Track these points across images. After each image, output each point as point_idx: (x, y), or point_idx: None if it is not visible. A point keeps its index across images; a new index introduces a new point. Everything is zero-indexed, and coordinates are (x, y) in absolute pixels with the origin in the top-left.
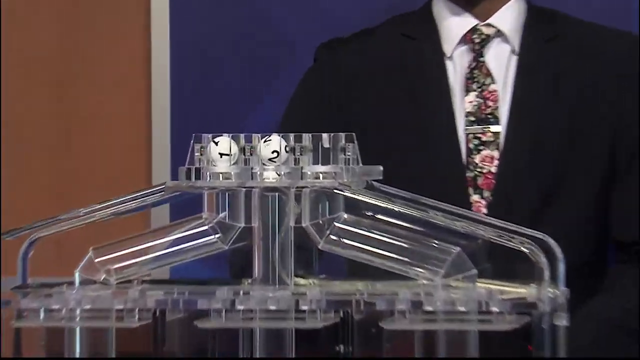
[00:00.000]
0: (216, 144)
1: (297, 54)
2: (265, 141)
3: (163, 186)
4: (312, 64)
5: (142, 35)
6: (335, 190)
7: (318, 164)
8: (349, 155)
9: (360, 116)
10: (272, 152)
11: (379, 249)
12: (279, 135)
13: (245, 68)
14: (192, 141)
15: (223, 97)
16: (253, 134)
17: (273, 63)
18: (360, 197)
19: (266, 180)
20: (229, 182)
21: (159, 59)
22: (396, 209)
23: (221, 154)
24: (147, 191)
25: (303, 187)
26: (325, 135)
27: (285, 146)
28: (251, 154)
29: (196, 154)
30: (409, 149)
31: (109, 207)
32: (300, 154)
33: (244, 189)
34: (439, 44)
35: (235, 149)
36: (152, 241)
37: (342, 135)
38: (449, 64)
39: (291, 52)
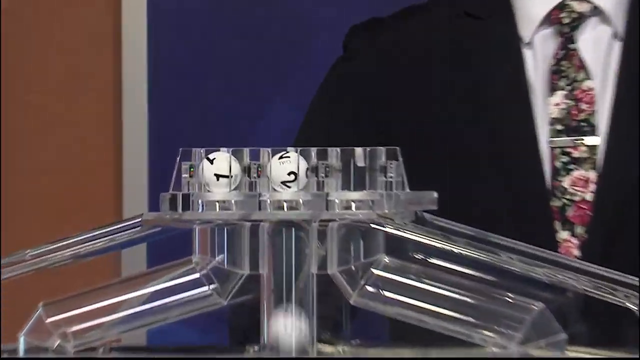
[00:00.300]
0: (211, 161)
1: (315, 42)
2: (279, 158)
3: (139, 219)
4: (342, 54)
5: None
6: (373, 225)
7: (349, 189)
8: (391, 177)
9: (406, 124)
10: (288, 174)
11: (432, 305)
12: (297, 151)
13: (247, 62)
14: (178, 158)
15: (218, 100)
16: (261, 149)
17: (283, 57)
18: (406, 234)
19: (279, 211)
20: (228, 214)
21: (131, 46)
22: (456, 251)
23: (218, 176)
24: (117, 226)
25: (329, 221)
26: (359, 150)
27: (306, 166)
28: (259, 176)
29: (184, 175)
30: (472, 169)
31: (64, 248)
32: (326, 176)
33: (248, 223)
34: (514, 26)
35: (236, 168)
36: (123, 294)
37: (382, 150)
38: (527, 53)
39: (306, 38)
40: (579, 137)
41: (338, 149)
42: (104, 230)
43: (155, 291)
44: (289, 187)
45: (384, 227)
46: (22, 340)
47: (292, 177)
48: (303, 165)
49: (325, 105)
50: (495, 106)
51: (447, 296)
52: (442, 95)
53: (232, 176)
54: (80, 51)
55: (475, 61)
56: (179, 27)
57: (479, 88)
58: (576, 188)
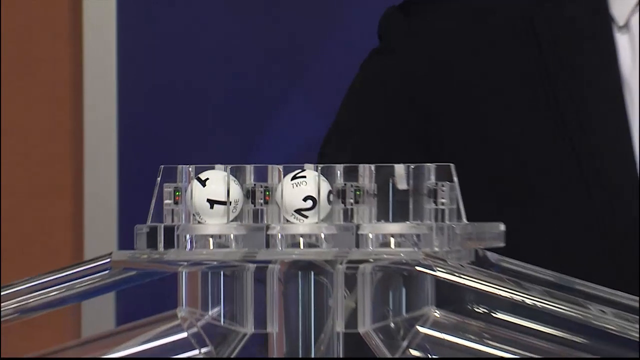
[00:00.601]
0: (203, 182)
1: (339, 26)
2: (293, 178)
3: (107, 260)
4: (377, 46)
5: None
6: (419, 268)
7: (387, 219)
8: (443, 203)
9: (463, 129)
10: (305, 199)
11: None
12: (316, 169)
13: (249, 48)
14: (158, 178)
15: (211, 99)
16: (269, 166)
17: (298, 41)
18: (463, 280)
19: (294, 249)
20: (226, 253)
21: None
22: (530, 302)
23: (212, 202)
24: (77, 269)
25: (360, 262)
26: (400, 168)
27: (329, 189)
28: (267, 202)
29: (167, 201)
30: (550, 185)
31: (8, 299)
32: (356, 202)
33: (253, 266)
34: (605, 6)
35: (236, 192)
36: None
37: (431, 167)
38: (621, 39)
39: (328, 20)
40: None
41: (372, 166)
42: (60, 275)
43: (130, 355)
44: (306, 216)
45: (433, 270)
46: None
47: (310, 203)
48: (325, 187)
49: (357, 110)
50: (581, 102)
51: None
52: (511, 91)
53: (230, 202)
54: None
55: (555, 48)
56: (152, 9)
57: (560, 81)
58: None
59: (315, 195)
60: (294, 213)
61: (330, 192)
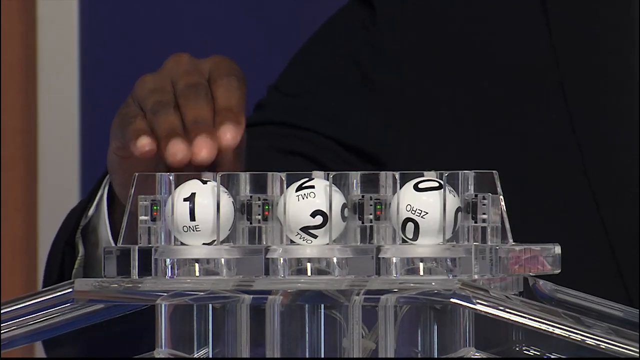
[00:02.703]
0: (187, 195)
1: None
2: (298, 189)
3: (68, 289)
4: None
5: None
6: (455, 300)
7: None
8: (484, 219)
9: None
10: (313, 214)
11: None
12: (327, 177)
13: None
14: (131, 188)
15: None
16: (269, 173)
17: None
18: (510, 315)
19: (299, 277)
20: (215, 282)
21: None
22: (592, 342)
23: (198, 218)
24: (31, 301)
25: (382, 293)
26: (430, 175)
27: (343, 202)
28: (265, 218)
29: (142, 217)
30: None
31: None
32: (377, 218)
33: (249, 297)
34: None
35: (227, 204)
36: None
37: (470, 174)
38: None
39: None
40: None
41: (396, 173)
42: (9, 309)
43: None
44: (314, 236)
45: (472, 303)
46: None
47: (320, 219)
48: (338, 200)
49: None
50: (598, 105)
51: None
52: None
53: (220, 218)
54: None
55: (575, 46)
56: None
57: (575, 83)
58: None
59: (325, 209)
60: (300, 232)
61: (344, 206)
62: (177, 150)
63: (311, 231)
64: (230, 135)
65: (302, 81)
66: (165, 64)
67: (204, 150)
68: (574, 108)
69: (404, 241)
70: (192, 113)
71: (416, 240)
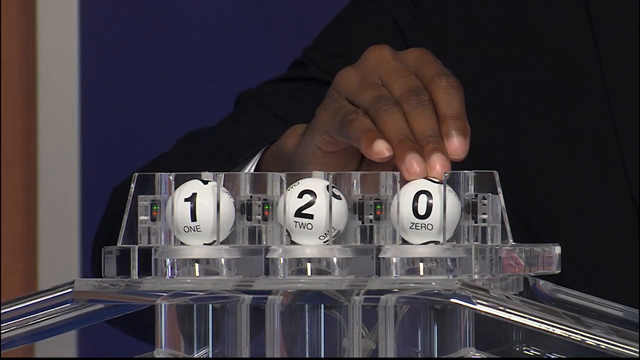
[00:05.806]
0: (187, 194)
1: None
2: (297, 215)
3: (68, 290)
4: None
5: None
6: (455, 300)
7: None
8: (485, 219)
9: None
10: (300, 195)
11: None
12: (327, 177)
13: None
14: (131, 188)
15: (196, 94)
16: (269, 173)
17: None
18: (510, 315)
19: (299, 277)
20: (215, 282)
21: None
22: (592, 342)
23: (198, 218)
24: (30, 301)
25: (382, 293)
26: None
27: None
28: (265, 218)
29: (142, 217)
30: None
31: None
32: (377, 218)
33: (249, 297)
34: None
35: (228, 205)
36: None
37: (470, 174)
38: None
39: None
40: None
41: (396, 174)
42: (9, 309)
43: None
44: (310, 216)
45: (472, 303)
46: None
47: (308, 197)
48: (340, 202)
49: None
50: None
51: None
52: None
53: (220, 219)
54: None
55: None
56: None
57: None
58: None
59: (323, 209)
60: (296, 219)
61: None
62: (413, 163)
63: (304, 212)
64: (461, 149)
65: (344, 42)
66: (366, 57)
67: (437, 166)
68: (613, 99)
69: (404, 242)
70: (422, 123)
71: (427, 217)
